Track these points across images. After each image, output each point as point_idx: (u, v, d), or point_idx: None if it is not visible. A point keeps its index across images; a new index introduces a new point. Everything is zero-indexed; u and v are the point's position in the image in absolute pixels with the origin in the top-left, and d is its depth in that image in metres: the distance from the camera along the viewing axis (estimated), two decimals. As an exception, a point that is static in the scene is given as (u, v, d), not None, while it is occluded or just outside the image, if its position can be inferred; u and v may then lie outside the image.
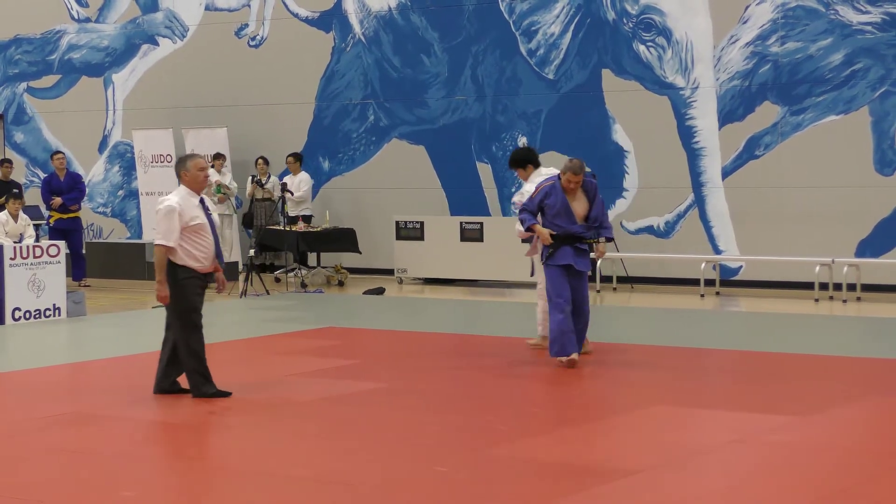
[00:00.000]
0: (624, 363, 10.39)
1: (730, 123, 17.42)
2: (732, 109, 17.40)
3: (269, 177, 19.61)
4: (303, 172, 19.37)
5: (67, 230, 18.34)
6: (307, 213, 18.96)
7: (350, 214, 19.74)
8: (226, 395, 9.46)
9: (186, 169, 9.43)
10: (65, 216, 18.46)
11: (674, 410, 9.09)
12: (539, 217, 10.80)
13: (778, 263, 16.96)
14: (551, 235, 10.65)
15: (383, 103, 19.75)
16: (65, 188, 18.58)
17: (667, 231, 17.88)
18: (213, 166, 18.24)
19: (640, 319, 14.45)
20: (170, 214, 9.26)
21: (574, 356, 10.57)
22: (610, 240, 11.12)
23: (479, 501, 6.72)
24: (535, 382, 10.06)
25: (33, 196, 21.84)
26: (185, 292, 9.35)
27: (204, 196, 9.59)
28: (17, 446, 8.04)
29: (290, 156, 19.42)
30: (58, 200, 18.36)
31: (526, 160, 11.86)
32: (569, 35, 18.37)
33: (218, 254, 9.52)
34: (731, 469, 7.54)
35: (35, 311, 14.34)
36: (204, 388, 9.42)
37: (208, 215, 9.47)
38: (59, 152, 19.28)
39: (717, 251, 17.52)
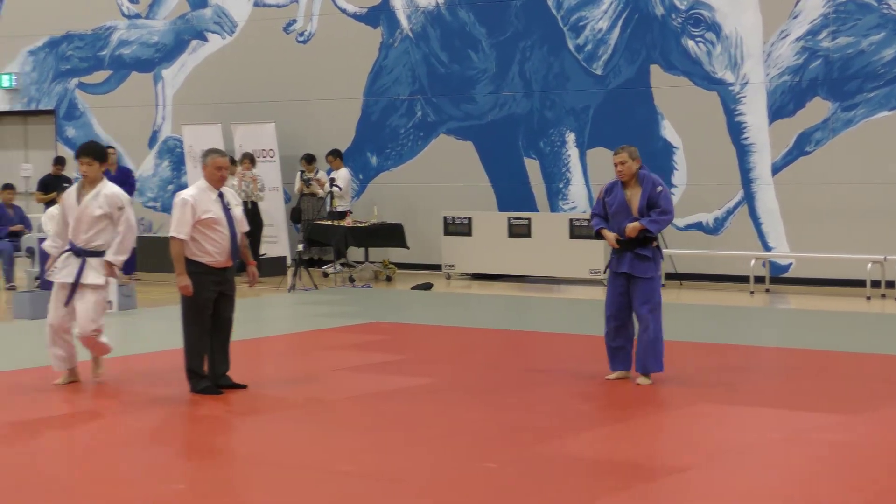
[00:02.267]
0: (672, 360, 10.33)
1: (780, 119, 17.29)
2: (782, 105, 17.28)
3: (317, 172, 19.65)
4: (343, 169, 19.40)
5: None
6: (343, 209, 18.86)
7: (398, 210, 19.76)
8: (217, 392, 9.37)
9: (206, 164, 9.49)
10: (115, 211, 18.55)
11: (721, 408, 9.04)
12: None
13: (828, 261, 16.83)
14: (617, 241, 9.84)
15: (431, 99, 19.76)
16: (115, 183, 18.67)
17: (716, 228, 17.78)
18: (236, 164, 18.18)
19: (689, 316, 14.37)
20: (182, 207, 9.35)
21: (611, 376, 9.99)
22: (649, 232, 9.77)
23: (527, 498, 6.71)
24: (582, 379, 10.03)
25: (84, 191, 22.03)
26: (193, 287, 9.35)
27: (226, 190, 9.57)
28: (65, 438, 8.11)
29: (329, 154, 19.44)
30: None
31: None
32: (617, 30, 18.30)
33: (234, 250, 9.48)
34: (779, 467, 7.49)
35: (85, 304, 14.42)
36: (193, 383, 9.43)
37: (227, 210, 9.45)
38: (109, 147, 19.40)
39: (767, 248, 17.40)
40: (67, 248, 9.72)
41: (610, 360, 10.04)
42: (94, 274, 9.66)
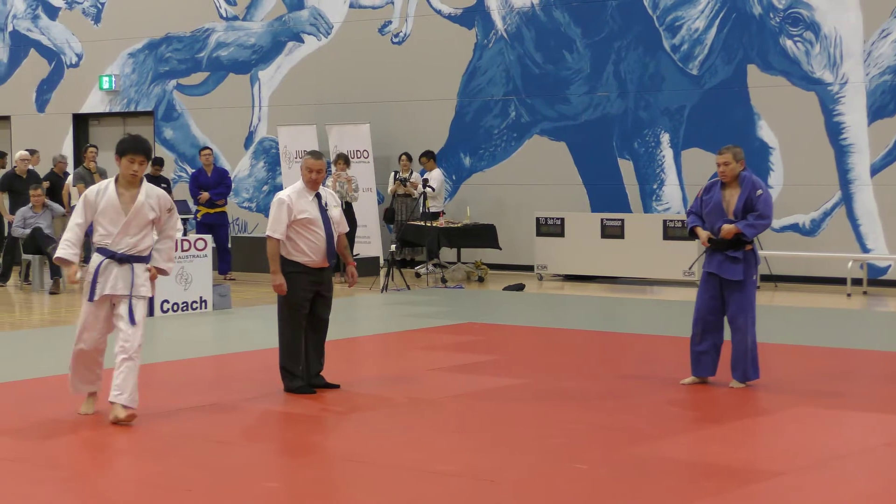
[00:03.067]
0: (768, 363, 10.21)
1: (879, 119, 17.01)
2: (883, 105, 16.99)
3: (412, 173, 19.72)
4: (437, 170, 19.44)
5: (214, 224, 18.68)
6: (436, 209, 18.91)
7: (490, 210, 19.77)
8: (311, 391, 9.42)
9: (301, 166, 9.55)
10: (211, 211, 18.80)
11: (820, 412, 8.91)
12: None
13: (929, 263, 16.53)
14: (709, 240, 9.70)
15: (525, 99, 19.73)
16: (212, 183, 18.93)
17: (812, 229, 17.54)
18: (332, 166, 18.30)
19: (785, 319, 14.19)
20: (279, 207, 9.38)
21: (686, 381, 9.85)
22: (744, 236, 9.57)
23: (620, 500, 6.67)
24: (675, 381, 9.94)
25: (182, 191, 22.33)
26: (289, 286, 9.42)
27: (324, 192, 9.60)
28: (161, 436, 8.22)
29: (422, 155, 19.50)
30: (205, 195, 18.72)
31: None
32: (713, 30, 18.13)
33: (330, 251, 9.51)
34: (881, 473, 7.37)
35: (182, 303, 14.65)
36: (287, 382, 9.51)
37: (324, 211, 9.49)
38: (206, 148, 19.65)
39: (865, 250, 17.13)
40: (106, 254, 8.51)
41: (693, 365, 9.89)
42: (145, 283, 8.59)
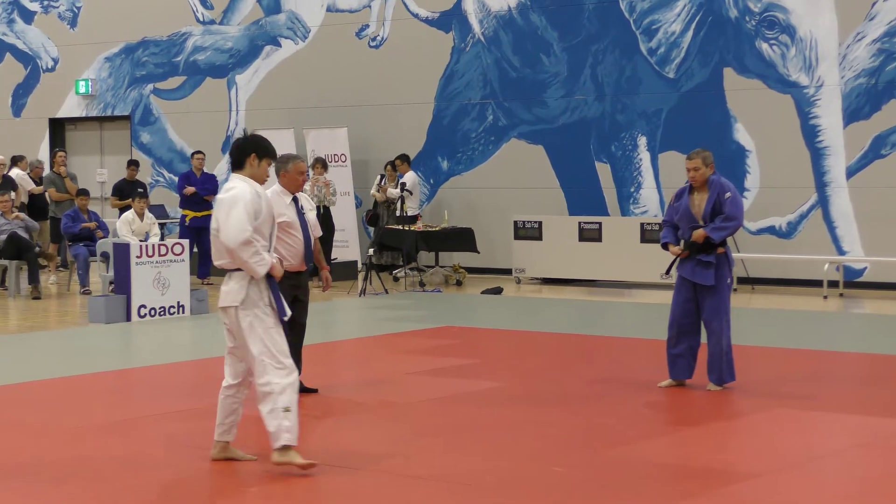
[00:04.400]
0: (745, 366, 10.25)
1: (855, 122, 17.10)
2: (858, 108, 17.08)
3: (382, 179, 19.67)
4: (410, 172, 19.43)
5: (201, 228, 18.65)
6: (412, 212, 18.87)
7: (468, 214, 19.78)
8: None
9: (287, 170, 9.26)
10: (199, 215, 18.70)
11: (796, 414, 8.95)
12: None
13: (904, 265, 16.61)
14: (684, 245, 9.68)
15: (502, 103, 19.76)
16: (201, 186, 18.90)
17: (789, 231, 17.61)
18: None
19: (762, 321, 14.25)
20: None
21: (663, 383, 9.87)
22: (712, 239, 9.55)
23: (598, 503, 6.68)
24: (653, 384, 9.97)
25: (158, 195, 22.30)
26: None
27: (300, 195, 9.56)
28: (140, 440, 8.20)
29: (396, 158, 19.50)
30: (191, 189, 18.64)
31: None
32: (690, 33, 18.19)
33: (307, 254, 9.45)
34: (856, 474, 7.40)
35: (160, 308, 14.62)
36: None
37: (301, 215, 9.46)
38: (199, 152, 19.55)
39: (841, 252, 17.20)
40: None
41: (669, 368, 9.92)
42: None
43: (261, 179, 7.47)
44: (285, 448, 7.18)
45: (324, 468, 7.38)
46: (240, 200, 7.24)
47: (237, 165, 7.49)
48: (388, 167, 19.71)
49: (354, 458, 7.60)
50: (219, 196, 7.46)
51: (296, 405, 7.21)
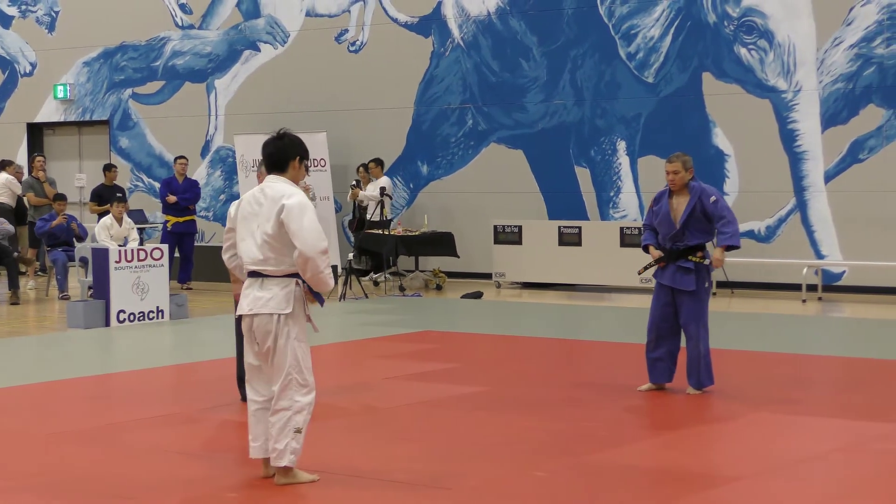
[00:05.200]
0: (725, 370, 10.27)
1: (833, 127, 17.17)
2: (836, 112, 17.15)
3: (357, 183, 19.65)
4: (384, 177, 19.42)
5: (183, 233, 18.64)
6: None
7: (448, 218, 19.78)
8: None
9: (261, 172, 9.15)
10: (181, 220, 18.69)
11: (776, 418, 8.97)
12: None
13: (882, 269, 16.68)
14: (663, 250, 9.74)
15: (482, 108, 19.77)
16: (181, 192, 18.87)
17: (768, 236, 17.66)
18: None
19: (741, 325, 14.28)
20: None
21: (643, 387, 9.89)
22: (731, 248, 9.70)
23: (579, 507, 6.69)
24: (633, 388, 9.98)
25: (137, 200, 22.23)
26: None
27: None
28: (120, 446, 8.17)
29: (371, 161, 19.50)
30: (172, 198, 18.61)
31: None
32: (669, 38, 18.23)
33: None
34: (837, 477, 7.43)
35: (139, 313, 14.57)
36: (244, 392, 9.25)
37: None
38: (182, 157, 19.50)
39: (820, 256, 17.27)
40: None
41: (649, 371, 9.93)
42: None
43: (298, 182, 7.20)
44: (288, 469, 7.09)
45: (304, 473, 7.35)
46: (308, 208, 6.97)
47: (278, 168, 7.13)
48: (361, 169, 19.71)
49: (334, 464, 7.58)
50: (286, 202, 6.92)
51: (306, 426, 7.08)
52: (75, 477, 7.38)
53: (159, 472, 7.48)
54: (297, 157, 7.14)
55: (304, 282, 7.07)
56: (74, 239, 17.59)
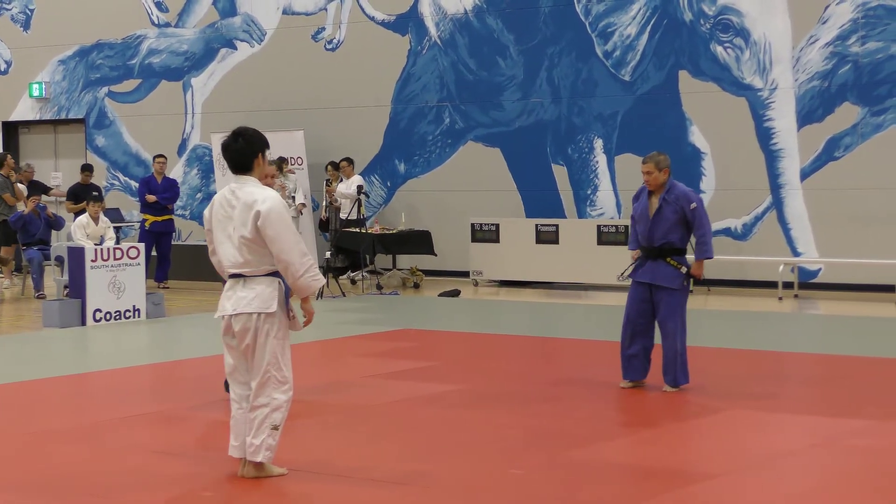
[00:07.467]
0: (701, 367, 10.30)
1: (809, 125, 17.23)
2: (811, 110, 17.22)
3: (341, 180, 19.65)
4: (356, 175, 19.39)
5: (161, 233, 18.61)
6: (354, 216, 18.81)
7: (425, 217, 19.78)
8: None
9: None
10: (159, 219, 18.67)
11: (752, 414, 9.00)
12: None
13: (858, 266, 16.75)
14: (641, 248, 9.78)
15: (459, 106, 19.78)
16: (160, 190, 18.84)
17: (744, 233, 17.73)
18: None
19: (718, 322, 14.33)
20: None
21: (624, 384, 9.90)
22: (711, 258, 9.73)
23: (556, 504, 6.71)
24: (611, 386, 10.01)
25: (113, 199, 22.16)
26: None
27: None
28: (99, 444, 8.15)
29: (342, 160, 19.48)
30: (152, 197, 18.57)
31: None
32: (645, 36, 18.27)
33: None
34: (812, 473, 7.47)
35: (115, 312, 14.53)
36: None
37: None
38: (160, 156, 19.45)
39: (796, 253, 17.33)
40: None
41: (623, 368, 9.94)
42: None
43: (266, 173, 7.16)
44: (261, 464, 7.09)
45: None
46: (283, 213, 6.95)
47: (244, 169, 7.07)
48: (330, 167, 19.70)
49: (313, 462, 7.58)
50: (260, 209, 6.89)
51: (283, 423, 7.08)
52: (55, 476, 7.36)
53: (138, 471, 7.46)
54: (259, 153, 7.11)
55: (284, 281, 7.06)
56: (49, 227, 17.53)
